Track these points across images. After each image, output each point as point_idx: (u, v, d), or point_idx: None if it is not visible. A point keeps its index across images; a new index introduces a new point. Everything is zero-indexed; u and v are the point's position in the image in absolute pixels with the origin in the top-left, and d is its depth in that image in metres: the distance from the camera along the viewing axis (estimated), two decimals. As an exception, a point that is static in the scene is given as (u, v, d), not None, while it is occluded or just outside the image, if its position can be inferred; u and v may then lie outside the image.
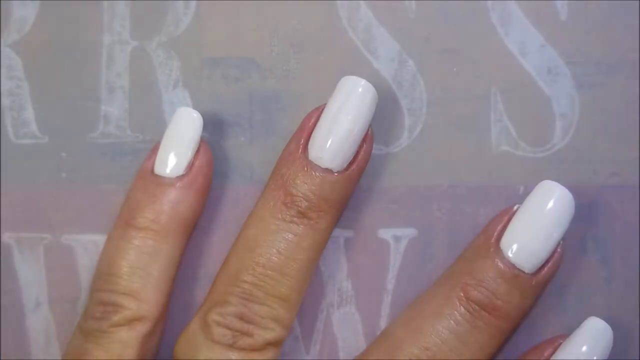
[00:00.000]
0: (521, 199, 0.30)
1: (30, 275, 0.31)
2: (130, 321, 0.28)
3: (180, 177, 0.29)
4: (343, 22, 0.32)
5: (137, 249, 0.29)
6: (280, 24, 0.32)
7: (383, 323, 0.31)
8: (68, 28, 0.32)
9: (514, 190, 0.31)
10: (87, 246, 0.31)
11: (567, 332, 0.29)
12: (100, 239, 0.31)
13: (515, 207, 0.29)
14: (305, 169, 0.29)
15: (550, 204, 0.28)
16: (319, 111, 0.29)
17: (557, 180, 0.29)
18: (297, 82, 0.31)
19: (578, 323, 0.30)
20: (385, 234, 0.31)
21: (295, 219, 0.28)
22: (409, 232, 0.31)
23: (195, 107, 0.31)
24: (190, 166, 0.30)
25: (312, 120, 0.29)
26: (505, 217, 0.29)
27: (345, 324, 0.31)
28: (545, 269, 0.29)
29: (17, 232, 0.31)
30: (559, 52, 0.31)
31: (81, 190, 0.31)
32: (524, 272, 0.28)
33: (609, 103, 0.31)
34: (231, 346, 0.27)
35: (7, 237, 0.31)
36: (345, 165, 0.29)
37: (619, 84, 0.31)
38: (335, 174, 0.29)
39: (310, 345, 0.31)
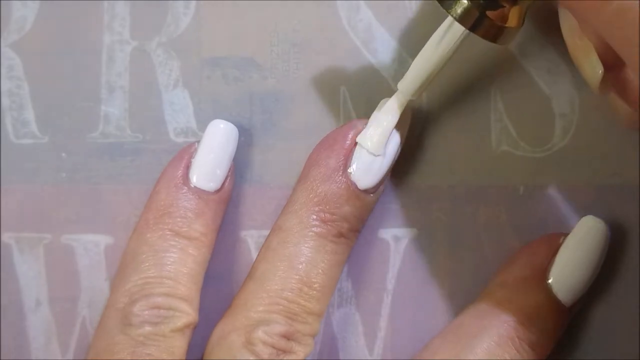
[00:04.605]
0: (521, 199, 0.30)
1: (30, 275, 0.31)
2: (185, 327, 0.28)
3: (217, 191, 0.30)
4: (343, 22, 0.32)
5: (187, 258, 0.29)
6: (280, 24, 0.32)
7: (383, 323, 0.31)
8: (68, 28, 0.32)
9: (514, 190, 0.31)
10: (87, 246, 0.31)
11: (567, 338, 0.29)
12: (100, 238, 0.31)
13: (560, 240, 0.30)
14: (349, 190, 0.29)
15: (596, 244, 0.29)
16: (358, 126, 0.29)
17: (557, 180, 0.29)
18: (297, 82, 0.31)
19: (577, 323, 0.30)
20: (385, 234, 0.31)
21: (334, 239, 0.29)
22: (409, 232, 0.31)
23: (195, 107, 0.31)
24: (225, 181, 0.30)
25: (351, 137, 0.29)
26: (550, 249, 0.30)
27: (345, 324, 0.31)
28: (580, 300, 0.29)
29: (17, 232, 0.31)
30: (559, 52, 0.31)
31: (81, 190, 0.31)
32: (565, 307, 0.29)
33: (609, 103, 0.31)
34: None
35: (7, 237, 0.31)
36: (379, 186, 0.29)
37: (619, 84, 0.31)
38: (371, 195, 0.29)
39: (310, 345, 0.31)
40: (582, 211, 0.30)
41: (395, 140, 0.29)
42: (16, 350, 0.31)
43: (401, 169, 0.31)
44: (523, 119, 0.31)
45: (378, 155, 0.29)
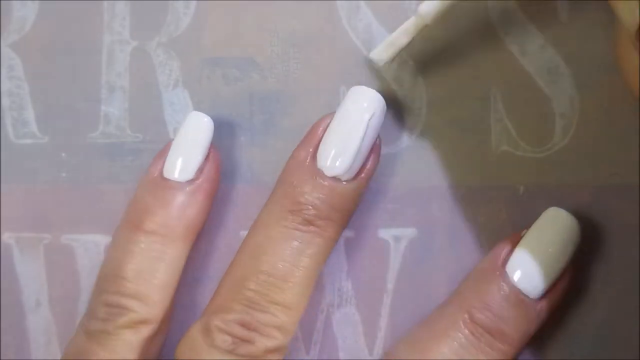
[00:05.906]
0: (521, 199, 0.30)
1: (30, 275, 0.31)
2: (136, 324, 0.28)
3: (189, 182, 0.29)
4: (343, 22, 0.32)
5: (145, 253, 0.29)
6: (280, 24, 0.32)
7: (383, 323, 0.31)
8: (68, 28, 0.32)
9: (514, 190, 0.31)
10: (87, 246, 0.31)
11: (567, 338, 0.29)
12: (100, 238, 0.31)
13: (522, 233, 0.29)
14: (314, 177, 0.29)
15: (557, 232, 0.29)
16: (328, 119, 0.29)
17: (557, 180, 0.29)
18: (297, 82, 0.31)
19: (577, 323, 0.30)
20: (385, 234, 0.31)
21: (301, 227, 0.28)
22: (409, 232, 0.31)
23: (195, 107, 0.31)
24: (200, 171, 0.30)
25: (322, 129, 0.29)
26: (511, 242, 0.29)
27: (345, 324, 0.31)
28: (549, 295, 0.29)
29: (17, 232, 0.31)
30: (559, 52, 0.31)
31: (81, 190, 0.32)
32: (529, 298, 0.29)
33: (609, 103, 0.31)
34: (231, 352, 0.27)
35: (7, 237, 0.31)
36: (354, 175, 0.29)
37: (619, 84, 0.31)
38: (344, 183, 0.29)
39: (310, 345, 0.31)
40: (582, 211, 0.30)
41: (359, 136, 0.29)
42: (16, 350, 0.31)
43: (401, 169, 0.31)
44: (523, 119, 0.31)
45: (381, 64, 0.29)
